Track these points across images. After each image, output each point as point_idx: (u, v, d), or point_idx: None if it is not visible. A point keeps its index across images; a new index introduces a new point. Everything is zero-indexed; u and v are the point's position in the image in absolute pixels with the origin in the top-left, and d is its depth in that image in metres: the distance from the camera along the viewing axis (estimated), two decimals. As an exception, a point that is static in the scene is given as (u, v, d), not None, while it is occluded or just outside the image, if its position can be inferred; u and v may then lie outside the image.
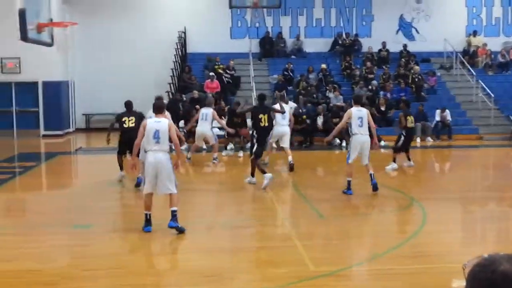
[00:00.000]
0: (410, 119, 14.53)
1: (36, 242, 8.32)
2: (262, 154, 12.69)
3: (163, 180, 8.39)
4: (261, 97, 13.03)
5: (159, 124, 8.49)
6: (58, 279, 6.69)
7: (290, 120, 14.86)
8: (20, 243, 8.25)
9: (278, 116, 13.64)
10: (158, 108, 8.87)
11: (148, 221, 8.52)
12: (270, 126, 12.63)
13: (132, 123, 12.12)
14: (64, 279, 6.68)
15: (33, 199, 12.01)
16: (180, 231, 8.41)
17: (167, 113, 11.58)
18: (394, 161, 14.30)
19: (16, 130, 23.04)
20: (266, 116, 12.31)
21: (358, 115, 11.22)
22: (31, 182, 13.72)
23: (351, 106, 11.76)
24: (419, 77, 22.98)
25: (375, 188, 11.23)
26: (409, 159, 14.63)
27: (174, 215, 8.42)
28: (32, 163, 16.14)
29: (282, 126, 14.16)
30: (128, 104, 12.58)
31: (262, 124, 12.24)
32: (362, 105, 12.05)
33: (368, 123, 11.26)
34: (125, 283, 6.61)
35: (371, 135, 11.44)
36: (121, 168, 12.55)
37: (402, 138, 14.39)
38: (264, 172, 11.52)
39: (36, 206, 11.35)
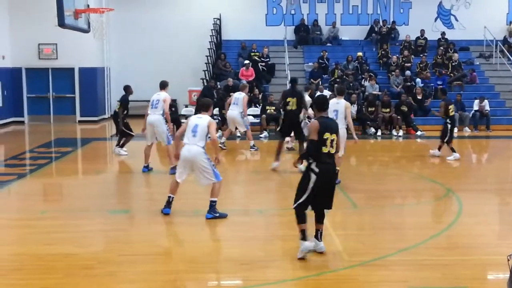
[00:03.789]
0: (452, 107, 14.52)
1: (74, 226, 8.44)
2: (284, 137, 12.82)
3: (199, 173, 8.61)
4: (292, 81, 13.37)
5: (200, 119, 8.62)
6: (94, 263, 6.78)
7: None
8: (58, 227, 8.39)
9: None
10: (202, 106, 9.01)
11: (168, 204, 8.89)
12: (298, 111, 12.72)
13: None
14: (100, 263, 6.76)
15: (70, 184, 12.18)
16: (221, 217, 8.63)
17: None
18: (453, 150, 14.27)
19: (53, 115, 23.40)
20: (294, 100, 12.56)
21: (334, 107, 10.92)
22: (68, 167, 13.92)
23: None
24: (460, 65, 22.67)
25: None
26: (439, 149, 14.59)
27: (210, 205, 8.65)
28: (68, 149, 16.40)
29: None
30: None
31: (289, 108, 12.58)
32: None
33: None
34: (162, 269, 6.66)
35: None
36: None
37: (449, 126, 14.24)
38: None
39: (73, 191, 11.51)
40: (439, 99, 16.12)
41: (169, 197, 8.90)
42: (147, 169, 12.59)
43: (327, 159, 6.74)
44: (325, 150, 6.71)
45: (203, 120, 8.55)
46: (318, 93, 20.33)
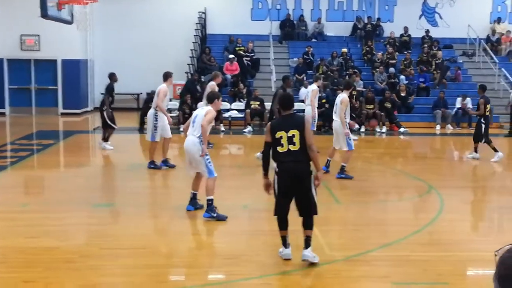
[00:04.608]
0: (489, 106, 13.97)
1: (55, 219, 8.37)
2: None
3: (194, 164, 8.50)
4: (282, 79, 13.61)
5: (201, 110, 8.57)
6: (76, 257, 6.73)
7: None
8: (39, 220, 8.32)
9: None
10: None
11: (190, 200, 8.66)
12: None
13: None
14: (82, 257, 6.72)
15: (52, 177, 12.09)
16: (219, 219, 8.30)
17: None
18: (476, 151, 13.88)
19: (35, 107, 23.19)
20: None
21: (336, 101, 11.54)
22: (50, 160, 13.82)
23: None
24: (443, 63, 22.78)
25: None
26: (476, 151, 13.98)
27: (207, 204, 8.33)
28: (50, 141, 16.26)
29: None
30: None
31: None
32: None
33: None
34: (145, 263, 6.62)
35: None
36: None
37: (483, 126, 13.69)
38: None
39: (55, 184, 11.43)
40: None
41: (191, 193, 8.71)
42: (164, 164, 12.17)
43: (286, 158, 6.44)
44: (281, 149, 6.44)
45: (202, 111, 8.49)
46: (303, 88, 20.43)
